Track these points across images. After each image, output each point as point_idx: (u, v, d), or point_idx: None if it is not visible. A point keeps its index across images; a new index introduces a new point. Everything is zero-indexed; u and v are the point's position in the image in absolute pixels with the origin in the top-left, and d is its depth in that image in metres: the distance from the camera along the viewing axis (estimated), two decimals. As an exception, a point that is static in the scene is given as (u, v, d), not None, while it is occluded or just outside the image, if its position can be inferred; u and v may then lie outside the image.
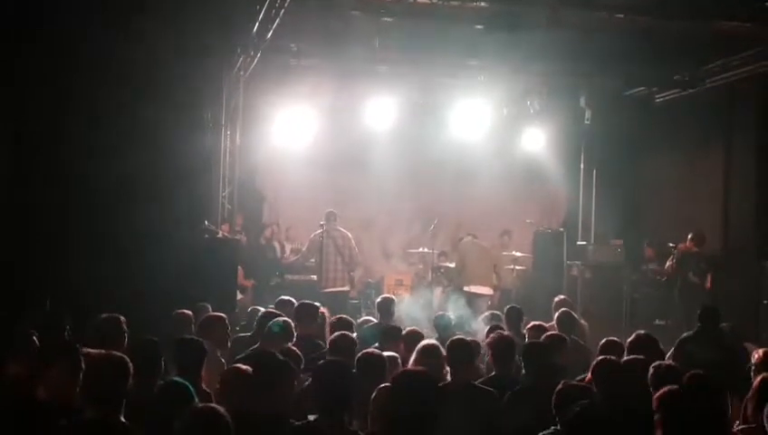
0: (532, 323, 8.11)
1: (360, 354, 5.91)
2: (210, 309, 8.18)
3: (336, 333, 6.81)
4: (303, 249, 12.84)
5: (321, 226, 12.51)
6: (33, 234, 9.29)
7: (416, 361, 6.12)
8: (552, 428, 4.83)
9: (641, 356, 5.99)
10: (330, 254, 12.30)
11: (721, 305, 10.95)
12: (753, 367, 6.23)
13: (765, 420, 4.62)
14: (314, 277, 12.92)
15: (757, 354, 6.33)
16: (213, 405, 4.09)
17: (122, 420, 4.34)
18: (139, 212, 9.58)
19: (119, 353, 4.70)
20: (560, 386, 5.07)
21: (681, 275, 12.50)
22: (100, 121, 9.55)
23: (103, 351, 5.06)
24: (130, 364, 4.58)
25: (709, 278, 12.61)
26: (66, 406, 4.63)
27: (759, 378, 5.27)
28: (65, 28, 9.35)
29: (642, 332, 7.04)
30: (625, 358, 6.09)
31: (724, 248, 13.38)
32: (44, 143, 9.48)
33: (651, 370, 5.53)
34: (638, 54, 12.47)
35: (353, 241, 12.63)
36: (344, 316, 8.09)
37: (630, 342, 6.76)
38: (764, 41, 11.54)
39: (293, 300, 8.56)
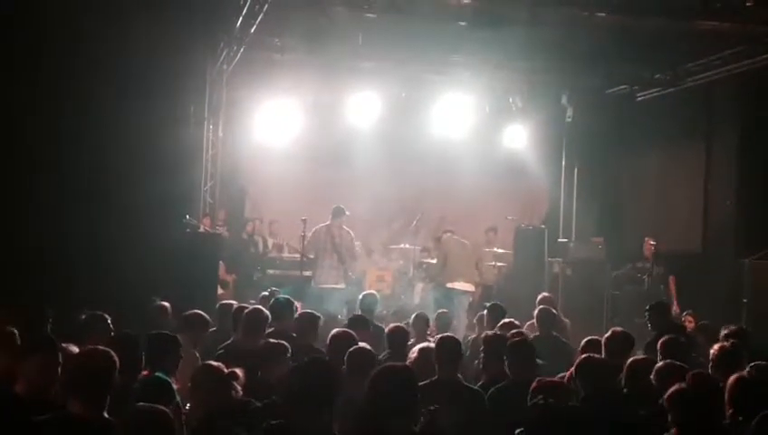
0: (503, 321, 8.10)
1: (350, 350, 5.88)
2: (167, 306, 8.06)
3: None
4: (305, 242, 12.70)
5: (303, 221, 12.49)
6: (12, 227, 9.23)
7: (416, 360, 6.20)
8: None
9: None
10: (327, 250, 12.20)
11: (700, 303, 11.08)
12: (710, 364, 6.11)
13: None
14: (296, 273, 12.93)
15: (713, 351, 6.16)
16: (154, 406, 4.03)
17: (105, 416, 4.30)
18: (119, 206, 9.55)
19: (103, 348, 4.60)
20: (534, 383, 5.09)
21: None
22: (81, 114, 9.50)
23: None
24: (116, 359, 4.49)
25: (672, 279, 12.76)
26: (43, 401, 4.57)
27: (732, 379, 5.14)
28: (48, 20, 9.30)
29: (592, 338, 7.02)
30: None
31: (705, 246, 13.49)
32: (24, 136, 9.42)
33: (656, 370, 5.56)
34: (619, 53, 12.54)
35: (354, 242, 12.57)
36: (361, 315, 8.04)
37: (582, 347, 6.80)
38: (745, 39, 11.63)
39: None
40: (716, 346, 6.23)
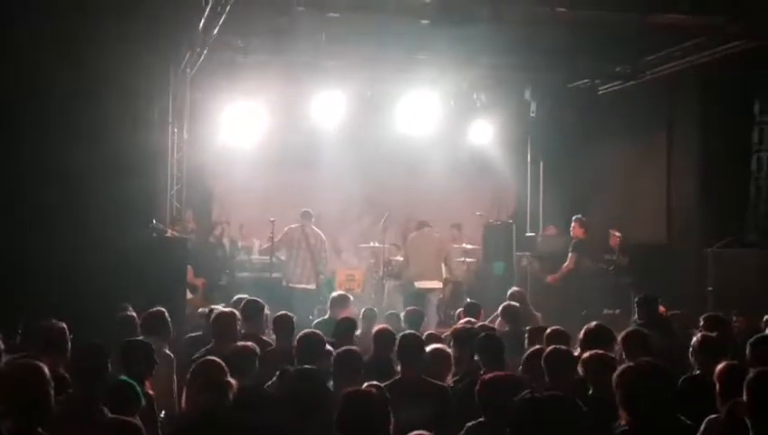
0: (461, 320, 8.19)
1: (336, 351, 5.97)
2: (135, 316, 7.96)
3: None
4: (276, 239, 12.79)
5: (272, 222, 12.53)
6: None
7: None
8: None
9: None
10: (301, 250, 12.38)
11: (667, 293, 11.20)
12: (691, 350, 6.19)
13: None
14: (266, 275, 12.93)
15: (696, 338, 6.26)
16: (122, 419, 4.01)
17: (39, 430, 4.05)
18: (83, 211, 9.45)
19: (35, 362, 4.32)
20: (487, 377, 5.13)
21: (579, 265, 12.79)
22: (42, 117, 9.39)
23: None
24: (48, 374, 4.20)
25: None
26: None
27: (720, 367, 5.21)
28: (5, 17, 9.18)
29: (557, 328, 7.06)
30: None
31: (669, 236, 13.63)
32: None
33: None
34: (580, 47, 12.65)
35: (326, 244, 12.71)
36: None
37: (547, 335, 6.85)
38: (704, 31, 11.76)
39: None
40: (700, 335, 6.35)
